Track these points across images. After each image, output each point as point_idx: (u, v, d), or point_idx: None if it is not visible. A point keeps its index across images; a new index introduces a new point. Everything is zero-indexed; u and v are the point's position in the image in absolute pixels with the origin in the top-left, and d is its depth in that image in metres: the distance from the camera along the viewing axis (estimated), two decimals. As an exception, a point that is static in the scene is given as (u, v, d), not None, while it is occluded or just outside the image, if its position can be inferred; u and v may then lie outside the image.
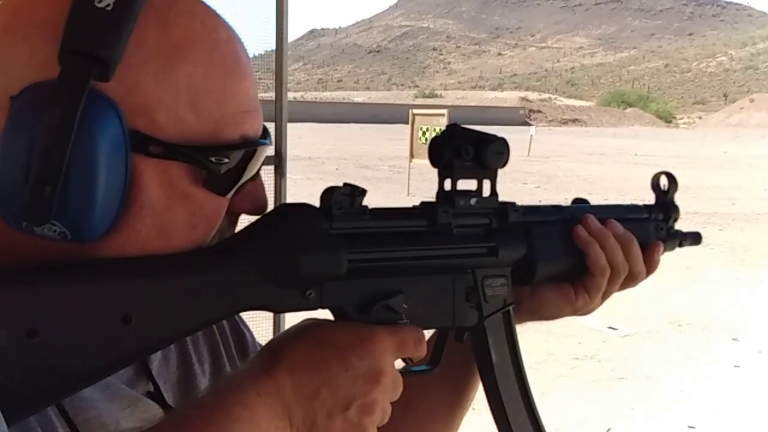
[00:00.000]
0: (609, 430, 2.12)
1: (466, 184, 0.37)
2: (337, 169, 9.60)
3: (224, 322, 0.41)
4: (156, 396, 0.35)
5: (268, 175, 1.55)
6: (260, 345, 0.42)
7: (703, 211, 6.38)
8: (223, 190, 0.31)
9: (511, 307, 0.39)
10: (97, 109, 0.27)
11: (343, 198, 0.32)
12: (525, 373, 0.40)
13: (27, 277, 0.27)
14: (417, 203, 0.36)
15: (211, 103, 0.30)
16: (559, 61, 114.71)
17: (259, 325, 1.44)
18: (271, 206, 0.34)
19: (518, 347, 0.39)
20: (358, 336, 0.31)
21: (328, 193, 0.32)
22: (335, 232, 0.32)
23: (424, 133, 6.67)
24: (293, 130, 1.81)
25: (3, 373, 0.26)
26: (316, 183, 6.82)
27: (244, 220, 0.34)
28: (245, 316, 0.40)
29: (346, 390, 0.30)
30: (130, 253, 0.29)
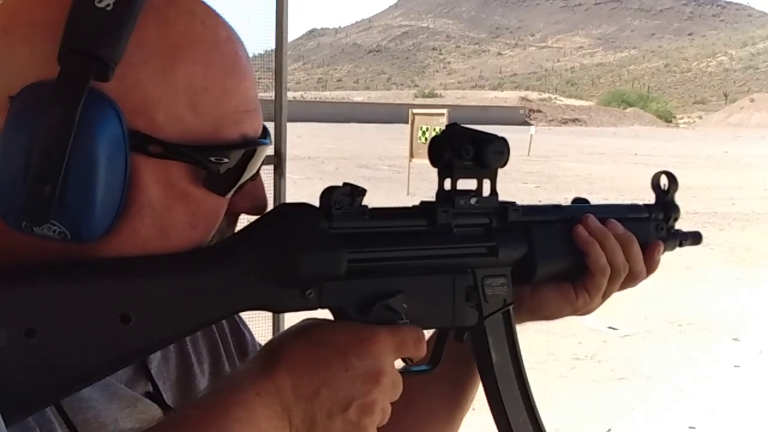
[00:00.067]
0: (609, 430, 2.12)
1: (466, 184, 0.37)
2: (336, 168, 9.60)
3: (223, 322, 0.41)
4: (155, 396, 0.35)
5: (267, 174, 1.55)
6: (260, 345, 0.42)
7: (704, 210, 6.38)
8: (223, 189, 0.31)
9: (511, 307, 0.39)
10: (96, 108, 0.27)
11: (343, 198, 0.32)
12: (525, 373, 0.40)
13: (26, 277, 0.27)
14: (417, 203, 0.36)
15: (210, 102, 0.30)
16: (559, 61, 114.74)
17: (259, 325, 1.44)
18: (270, 206, 0.34)
19: (518, 347, 0.39)
20: (357, 336, 0.31)
21: (328, 193, 0.32)
22: (335, 232, 0.32)
23: (423, 133, 6.67)
24: (293, 129, 1.81)
25: (2, 373, 0.26)
26: (316, 183, 6.82)
27: (244, 220, 0.34)
28: (244, 316, 0.40)
29: (345, 390, 0.30)
30: (129, 253, 0.29)
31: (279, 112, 1.64)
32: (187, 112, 0.29)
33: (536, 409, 0.40)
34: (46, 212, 0.27)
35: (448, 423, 0.45)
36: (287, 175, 1.66)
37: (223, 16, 0.32)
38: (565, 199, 0.47)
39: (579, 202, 0.45)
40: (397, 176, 8.30)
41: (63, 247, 0.28)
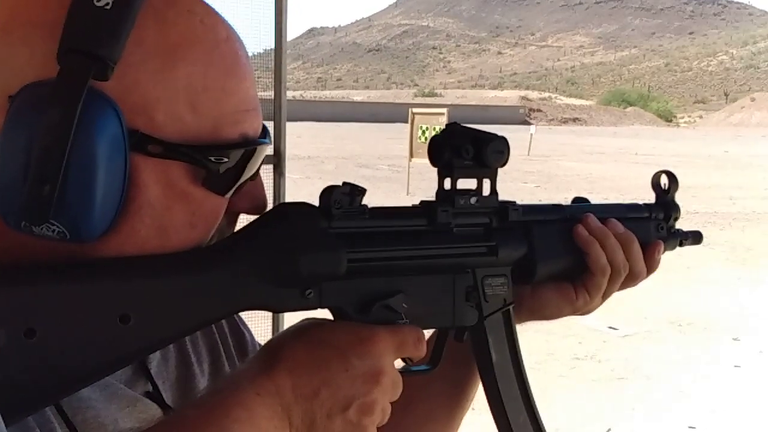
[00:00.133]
0: (609, 430, 2.12)
1: (466, 184, 0.37)
2: (336, 168, 9.60)
3: (223, 322, 0.41)
4: (155, 396, 0.35)
5: (267, 174, 1.55)
6: (259, 345, 0.42)
7: (704, 210, 6.38)
8: (223, 189, 0.31)
9: (511, 307, 0.39)
10: (96, 108, 0.27)
11: (343, 197, 0.32)
12: (525, 372, 0.40)
13: (26, 277, 0.27)
14: (416, 202, 0.36)
15: (210, 102, 0.30)
16: (559, 60, 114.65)
17: (259, 325, 1.44)
18: (270, 205, 0.34)
19: (518, 347, 0.39)
20: (357, 336, 0.31)
21: (328, 193, 0.32)
22: (335, 232, 0.32)
23: (423, 132, 6.66)
24: (292, 129, 1.82)
25: (2, 373, 0.26)
26: (315, 182, 6.82)
27: (243, 220, 0.34)
28: (244, 315, 0.40)
29: (345, 390, 0.30)
30: (129, 253, 0.29)
31: (278, 111, 1.64)
32: (187, 112, 0.29)
33: (536, 409, 0.40)
34: (46, 212, 0.27)
35: (448, 423, 0.45)
36: (287, 174, 1.66)
37: (223, 15, 0.32)
38: (565, 198, 0.47)
39: (579, 201, 0.45)
40: (397, 176, 8.30)
41: (62, 246, 0.28)
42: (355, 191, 0.32)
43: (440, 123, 6.42)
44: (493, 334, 0.38)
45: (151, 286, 0.29)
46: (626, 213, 0.44)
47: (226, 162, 0.30)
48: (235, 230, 0.33)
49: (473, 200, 0.36)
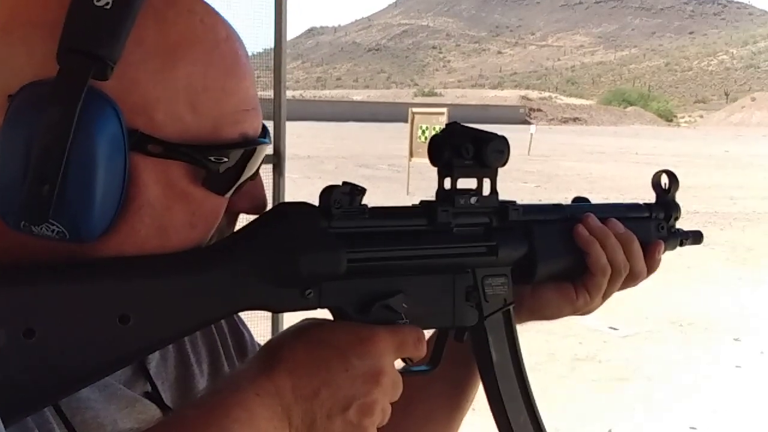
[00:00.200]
0: (610, 430, 2.12)
1: (466, 183, 0.37)
2: (335, 167, 9.58)
3: (223, 322, 0.41)
4: (154, 396, 0.35)
5: (266, 174, 1.55)
6: (259, 345, 0.42)
7: (705, 210, 6.37)
8: (223, 189, 0.31)
9: (511, 307, 0.39)
10: (95, 107, 0.27)
11: (343, 197, 0.32)
12: (525, 373, 0.39)
13: (25, 277, 0.27)
14: (416, 202, 0.36)
15: (210, 101, 0.30)
16: (559, 60, 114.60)
17: (258, 325, 1.44)
18: (269, 205, 0.34)
19: (519, 347, 0.39)
20: (357, 336, 0.31)
21: (328, 192, 0.32)
22: (334, 231, 0.32)
23: (423, 132, 6.66)
24: (292, 128, 1.82)
25: (2, 373, 0.26)
26: (315, 182, 6.82)
27: (243, 220, 0.34)
28: (244, 316, 0.39)
29: (345, 390, 0.30)
30: (128, 253, 0.29)
31: (278, 111, 1.64)
32: (187, 112, 0.29)
33: (536, 409, 0.40)
34: (45, 212, 0.27)
35: (448, 423, 0.45)
36: (286, 174, 1.67)
37: (222, 15, 0.32)
38: (565, 198, 0.47)
39: (579, 201, 0.44)
40: (397, 175, 8.29)
41: (62, 246, 0.28)
42: (355, 191, 0.32)
43: (440, 123, 6.42)
44: (494, 334, 0.38)
45: (151, 286, 0.29)
46: (626, 213, 0.44)
47: (226, 162, 0.30)
48: (235, 230, 0.33)
49: (473, 200, 0.36)
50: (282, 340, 0.31)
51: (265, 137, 0.33)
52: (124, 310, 0.28)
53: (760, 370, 2.65)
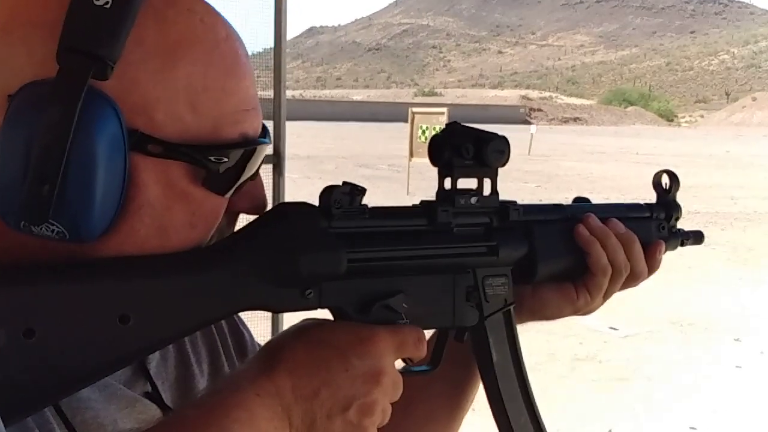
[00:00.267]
0: (610, 430, 2.12)
1: (467, 183, 0.37)
2: (335, 167, 9.59)
3: (223, 322, 0.41)
4: (154, 396, 0.35)
5: (266, 174, 1.55)
6: (259, 345, 0.42)
7: (705, 210, 6.36)
8: (223, 189, 0.31)
9: (511, 307, 0.39)
10: (95, 107, 0.27)
11: (343, 197, 0.32)
12: (526, 373, 0.39)
13: (25, 277, 0.27)
14: (417, 202, 0.36)
15: (210, 101, 0.30)
16: (560, 59, 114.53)
17: (258, 325, 1.44)
18: (269, 205, 0.34)
19: (519, 347, 0.39)
20: (358, 336, 0.31)
21: (328, 192, 0.32)
22: (334, 232, 0.32)
23: (423, 132, 6.66)
24: (292, 128, 1.82)
25: (2, 374, 0.25)
26: (315, 182, 6.82)
27: (243, 220, 0.34)
28: (244, 316, 0.39)
29: (345, 390, 0.30)
30: (128, 253, 0.29)
31: (278, 110, 1.64)
32: (187, 112, 0.29)
33: (537, 409, 0.40)
34: (45, 212, 0.26)
35: (449, 424, 0.45)
36: (286, 174, 1.67)
37: (222, 14, 0.32)
38: (565, 198, 0.47)
39: (580, 201, 0.44)
40: (397, 175, 8.29)
41: (62, 246, 0.28)
42: (355, 191, 0.32)
43: (440, 122, 6.42)
44: (494, 335, 0.38)
45: (151, 286, 0.29)
46: (627, 213, 0.44)
47: (226, 162, 0.30)
48: (235, 230, 0.33)
49: (474, 200, 0.36)
50: (282, 341, 0.31)
51: (265, 137, 0.33)
52: (124, 310, 0.28)
53: (760, 371, 2.65)
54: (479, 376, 0.40)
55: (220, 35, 0.31)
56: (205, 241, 0.32)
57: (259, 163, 0.33)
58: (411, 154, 6.82)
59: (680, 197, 0.47)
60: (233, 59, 0.31)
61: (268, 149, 0.34)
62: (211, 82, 0.30)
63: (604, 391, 2.42)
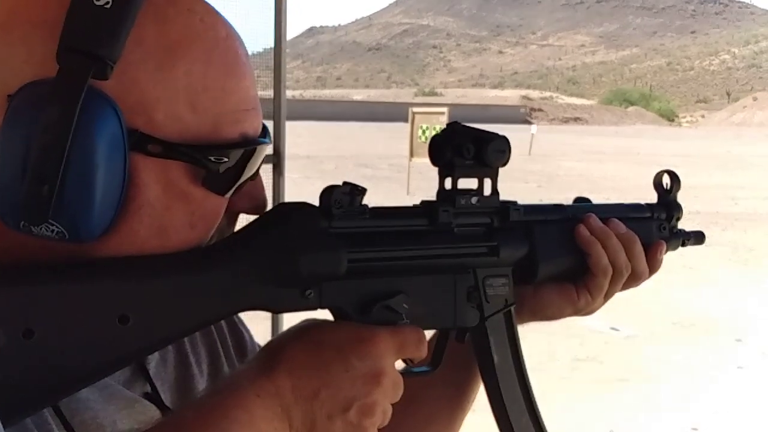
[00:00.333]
0: (611, 431, 2.12)
1: (467, 183, 0.36)
2: (336, 167, 9.59)
3: (222, 322, 0.41)
4: (153, 397, 0.35)
5: (266, 174, 1.54)
6: (259, 345, 0.42)
7: (706, 210, 6.35)
8: (222, 189, 0.31)
9: (512, 308, 0.38)
10: (95, 107, 0.27)
11: (343, 197, 0.32)
12: (527, 374, 0.39)
13: (25, 277, 0.27)
14: (417, 202, 0.36)
15: (210, 101, 0.30)
16: (560, 59, 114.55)
17: (258, 326, 1.44)
18: (269, 205, 0.34)
19: (520, 348, 0.39)
20: (358, 336, 0.31)
21: (328, 192, 0.32)
22: (335, 232, 0.32)
23: (424, 132, 6.66)
24: (292, 128, 1.82)
25: (1, 374, 0.25)
26: (315, 182, 6.80)
27: (243, 220, 0.34)
28: (244, 316, 0.39)
29: (346, 391, 0.30)
30: (128, 253, 0.29)
31: (278, 110, 1.64)
32: (187, 111, 0.29)
33: (538, 410, 0.40)
34: (45, 212, 0.26)
35: (449, 424, 0.44)
36: (286, 174, 1.67)
37: (222, 14, 0.32)
38: (566, 198, 0.47)
39: (581, 201, 0.44)
40: (397, 175, 8.28)
41: (61, 246, 0.28)
42: (355, 191, 0.32)
43: (441, 122, 6.42)
44: (495, 335, 0.38)
45: (150, 286, 0.29)
46: (628, 213, 0.44)
47: (226, 162, 0.30)
48: (235, 230, 0.33)
49: (474, 200, 0.36)
50: (282, 341, 0.31)
51: (265, 137, 0.33)
52: (123, 310, 0.28)
53: (762, 371, 2.65)
54: (480, 376, 0.39)
55: (220, 35, 0.31)
56: (205, 241, 0.32)
57: (259, 163, 0.33)
58: (411, 154, 6.83)
59: (681, 197, 0.46)
60: (233, 59, 0.31)
61: (268, 149, 0.34)
62: (211, 81, 0.30)
63: (605, 391, 2.42)
